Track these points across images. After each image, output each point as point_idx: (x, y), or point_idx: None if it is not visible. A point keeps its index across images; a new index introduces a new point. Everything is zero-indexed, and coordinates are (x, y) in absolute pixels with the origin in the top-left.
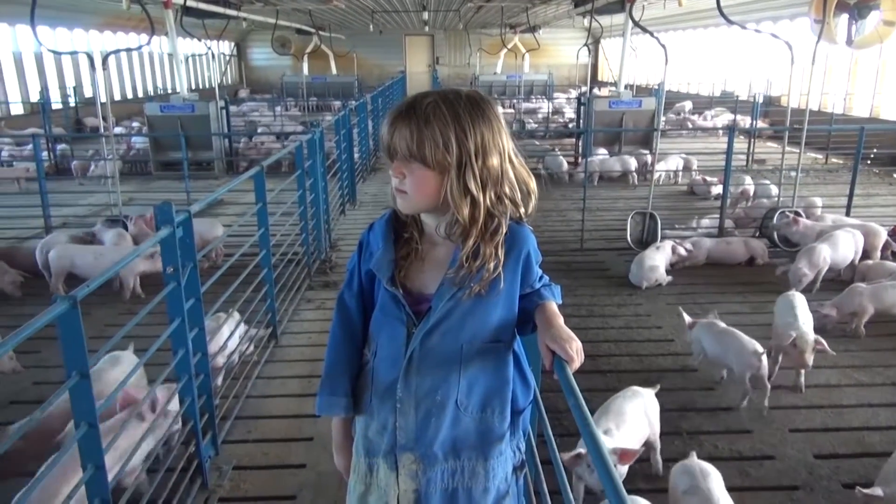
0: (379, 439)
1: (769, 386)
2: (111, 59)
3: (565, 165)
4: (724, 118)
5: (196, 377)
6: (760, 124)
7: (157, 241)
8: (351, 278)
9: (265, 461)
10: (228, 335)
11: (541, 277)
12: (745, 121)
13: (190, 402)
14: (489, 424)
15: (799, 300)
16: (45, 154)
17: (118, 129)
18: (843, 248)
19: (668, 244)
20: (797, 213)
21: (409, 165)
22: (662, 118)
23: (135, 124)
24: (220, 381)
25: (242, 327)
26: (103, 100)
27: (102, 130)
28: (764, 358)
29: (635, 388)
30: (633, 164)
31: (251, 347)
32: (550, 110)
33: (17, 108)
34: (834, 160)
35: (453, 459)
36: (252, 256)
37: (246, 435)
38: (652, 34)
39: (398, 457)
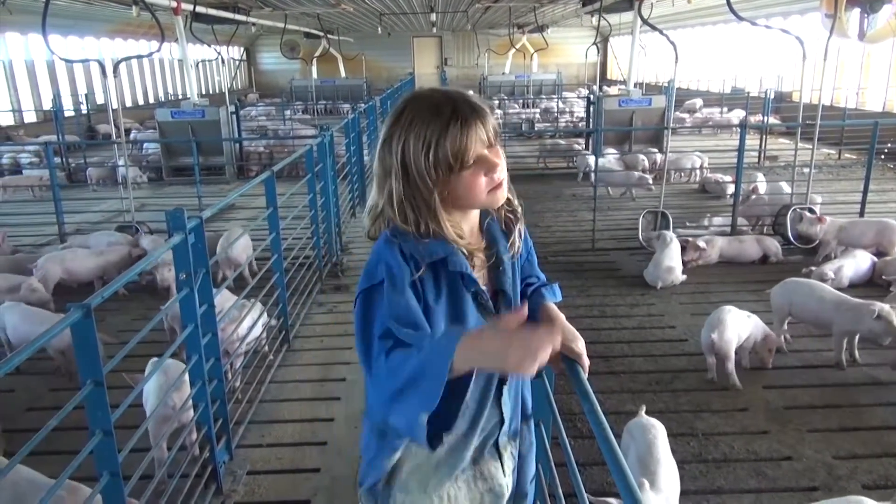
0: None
1: (731, 370)
2: (122, 66)
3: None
4: (733, 115)
5: (209, 382)
6: (772, 120)
7: (170, 248)
8: None
9: (279, 465)
10: (252, 323)
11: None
12: (753, 118)
13: (204, 408)
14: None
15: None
16: (56, 160)
17: (140, 135)
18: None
19: (675, 238)
20: (811, 211)
21: (498, 150)
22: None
23: (134, 132)
24: (238, 364)
25: (265, 317)
26: (115, 106)
27: (115, 137)
28: (716, 340)
29: (648, 422)
30: (590, 162)
31: (266, 346)
32: (558, 109)
33: (30, 116)
34: (848, 156)
35: (516, 430)
36: (264, 261)
37: (260, 439)
38: (661, 32)
39: (499, 444)
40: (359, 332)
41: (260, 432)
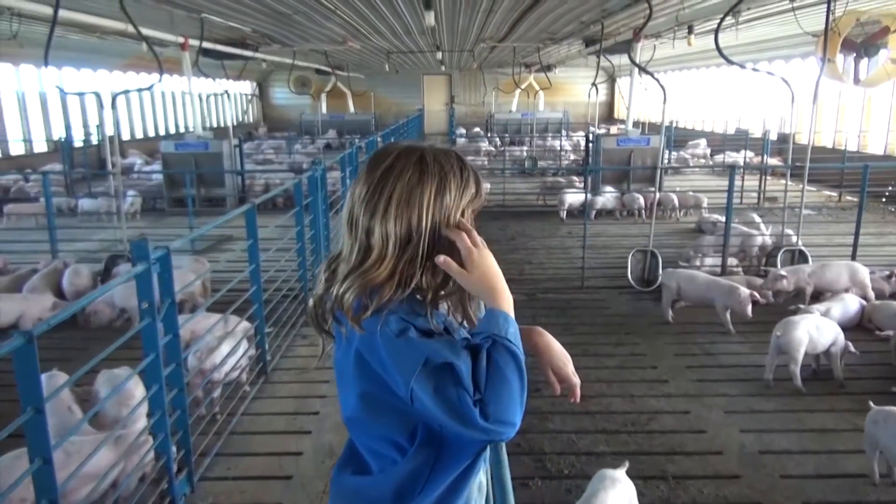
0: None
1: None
2: (133, 98)
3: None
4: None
5: (171, 413)
6: (773, 161)
7: (132, 276)
8: None
9: (241, 499)
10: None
11: None
12: (755, 159)
13: (163, 439)
14: None
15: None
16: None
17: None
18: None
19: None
20: (801, 253)
21: None
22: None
23: (133, 160)
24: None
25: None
26: (122, 137)
27: (111, 167)
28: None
29: (610, 473)
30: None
31: (243, 376)
32: (561, 147)
33: (40, 146)
34: (849, 198)
35: None
36: (243, 291)
37: (226, 472)
38: (652, 75)
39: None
40: (443, 413)
41: (227, 465)
